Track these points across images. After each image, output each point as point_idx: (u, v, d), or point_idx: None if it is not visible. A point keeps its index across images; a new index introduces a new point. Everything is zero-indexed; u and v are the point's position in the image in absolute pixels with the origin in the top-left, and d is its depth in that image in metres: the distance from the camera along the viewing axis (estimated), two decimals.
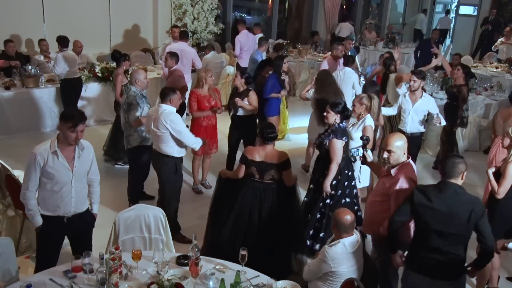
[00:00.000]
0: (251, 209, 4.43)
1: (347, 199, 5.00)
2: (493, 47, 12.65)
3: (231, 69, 9.80)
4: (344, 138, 4.83)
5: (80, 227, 3.87)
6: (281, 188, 4.50)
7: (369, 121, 5.38)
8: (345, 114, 4.93)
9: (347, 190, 5.01)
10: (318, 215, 5.00)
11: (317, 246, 4.89)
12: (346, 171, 4.98)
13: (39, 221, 3.71)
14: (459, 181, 3.35)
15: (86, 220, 3.91)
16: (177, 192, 5.26)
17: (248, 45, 9.81)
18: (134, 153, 5.68)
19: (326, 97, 6.00)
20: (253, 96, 6.28)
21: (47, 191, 3.67)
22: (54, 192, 3.66)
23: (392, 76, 7.34)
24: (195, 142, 5.12)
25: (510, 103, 5.77)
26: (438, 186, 3.41)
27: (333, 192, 4.91)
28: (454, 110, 6.93)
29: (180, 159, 5.18)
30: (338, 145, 4.79)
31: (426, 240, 3.39)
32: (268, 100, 7.03)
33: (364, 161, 4.38)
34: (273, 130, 4.50)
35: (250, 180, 4.46)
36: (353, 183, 5.06)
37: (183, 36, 8.61)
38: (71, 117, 3.55)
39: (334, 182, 4.92)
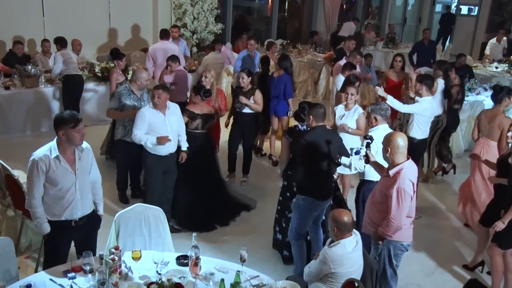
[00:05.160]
0: (200, 159, 5.46)
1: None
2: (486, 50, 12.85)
3: (231, 69, 9.78)
4: (288, 137, 4.81)
5: (87, 230, 3.84)
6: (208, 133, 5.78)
7: (361, 109, 5.74)
8: (300, 117, 4.92)
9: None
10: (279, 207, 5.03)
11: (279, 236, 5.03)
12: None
13: (47, 228, 3.64)
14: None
15: (92, 221, 3.89)
16: (151, 188, 5.23)
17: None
18: (117, 146, 5.90)
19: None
20: (258, 95, 6.28)
21: (52, 197, 3.61)
22: (59, 197, 3.61)
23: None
24: (140, 139, 4.99)
25: (493, 102, 5.73)
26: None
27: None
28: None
29: (153, 155, 5.10)
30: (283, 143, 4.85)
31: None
32: (280, 100, 7.04)
33: (367, 160, 4.37)
34: (208, 90, 5.69)
35: (193, 133, 5.43)
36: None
37: (163, 34, 8.57)
38: (72, 116, 3.51)
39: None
